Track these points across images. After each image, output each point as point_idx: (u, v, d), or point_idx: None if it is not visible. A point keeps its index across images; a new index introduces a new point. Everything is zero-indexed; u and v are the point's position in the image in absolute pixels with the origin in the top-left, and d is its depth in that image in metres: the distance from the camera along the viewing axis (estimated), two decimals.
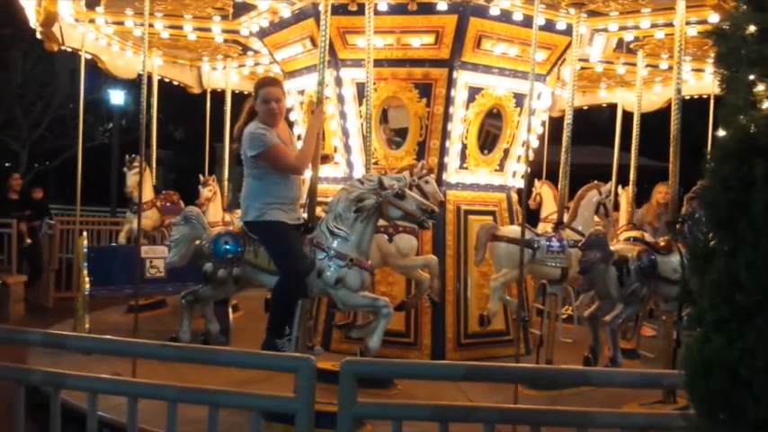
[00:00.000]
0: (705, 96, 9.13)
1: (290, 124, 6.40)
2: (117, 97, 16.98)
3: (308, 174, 5.44)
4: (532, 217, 9.17)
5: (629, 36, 7.13)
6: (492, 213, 6.78)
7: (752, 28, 1.82)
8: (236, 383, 4.40)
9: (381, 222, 4.99)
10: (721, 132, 1.96)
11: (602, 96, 10.33)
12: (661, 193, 7.44)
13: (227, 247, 4.88)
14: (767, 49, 1.77)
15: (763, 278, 1.77)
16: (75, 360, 4.38)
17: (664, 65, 8.05)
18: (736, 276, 1.83)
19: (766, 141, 1.75)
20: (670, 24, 6.35)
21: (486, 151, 6.78)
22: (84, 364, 4.58)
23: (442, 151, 6.43)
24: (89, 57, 8.27)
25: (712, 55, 7.83)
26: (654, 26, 6.63)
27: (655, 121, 9.05)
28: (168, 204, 9.02)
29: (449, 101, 6.33)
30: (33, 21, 7.18)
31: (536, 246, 5.76)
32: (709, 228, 2.00)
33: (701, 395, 1.92)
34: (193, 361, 2.90)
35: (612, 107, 10.31)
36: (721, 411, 1.83)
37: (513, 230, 5.81)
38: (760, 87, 1.79)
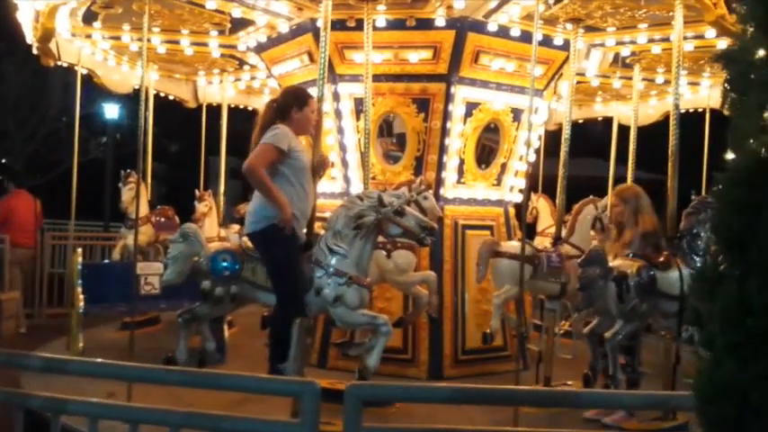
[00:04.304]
0: (701, 110, 9.16)
1: None
2: (112, 111, 16.95)
3: None
4: (529, 231, 9.17)
5: (625, 51, 7.16)
6: (490, 228, 6.76)
7: (761, 52, 1.81)
8: (233, 402, 4.36)
9: (380, 238, 4.97)
10: (731, 156, 1.95)
11: (598, 110, 10.36)
12: None
13: (225, 264, 4.86)
14: None
15: None
16: (70, 378, 4.32)
17: (660, 79, 8.08)
18: (747, 301, 1.82)
19: None
20: (666, 39, 6.39)
21: (483, 166, 6.77)
22: (79, 382, 4.52)
23: (440, 166, 6.42)
24: (85, 71, 8.25)
25: (708, 69, 7.93)
26: (651, 41, 6.66)
27: (649, 133, 9.07)
28: (163, 220, 8.95)
29: (446, 116, 6.33)
30: (30, 37, 7.16)
31: (537, 262, 5.74)
32: (719, 251, 1.98)
33: (712, 421, 1.90)
34: (197, 386, 2.87)
35: (608, 120, 10.35)
36: None
37: (515, 246, 5.79)
38: None
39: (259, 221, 4.65)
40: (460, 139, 6.50)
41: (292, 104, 4.76)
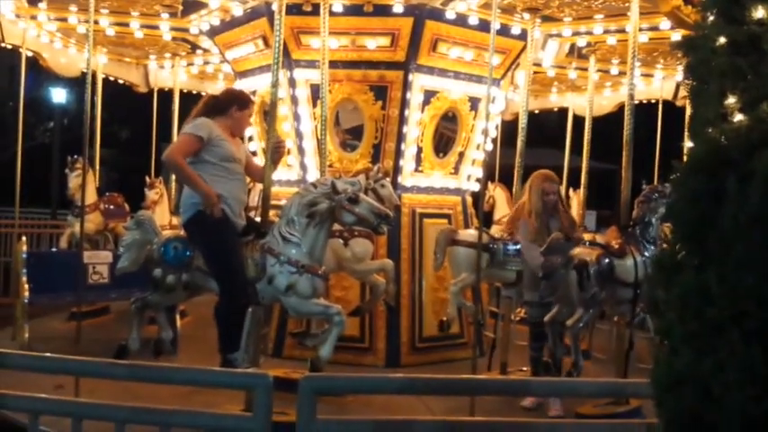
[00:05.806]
0: (653, 101, 9.31)
1: None
2: (59, 95, 16.42)
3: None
4: (486, 219, 9.22)
5: (581, 41, 7.20)
6: (447, 217, 6.74)
7: (722, 39, 1.80)
8: (185, 392, 4.25)
9: (337, 227, 4.89)
10: (690, 144, 1.93)
11: (553, 101, 10.43)
12: None
13: (177, 252, 4.73)
14: (738, 60, 1.75)
15: (734, 292, 1.75)
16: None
17: (614, 70, 8.16)
18: (706, 290, 1.80)
19: (737, 154, 1.73)
20: (622, 30, 6.44)
21: (441, 154, 6.75)
22: (27, 375, 4.35)
23: (398, 154, 6.37)
24: (30, 54, 7.96)
25: (662, 61, 8.02)
26: (606, 32, 6.71)
27: (602, 124, 9.19)
28: (112, 207, 8.71)
29: (404, 104, 6.27)
30: None
31: (494, 250, 5.75)
32: (677, 240, 1.97)
33: (671, 410, 1.89)
34: (145, 379, 2.77)
35: (562, 111, 10.44)
36: (692, 428, 1.80)
37: (472, 235, 5.77)
38: (731, 99, 1.77)
39: (187, 210, 4.59)
40: (418, 127, 6.46)
41: (234, 103, 4.71)
